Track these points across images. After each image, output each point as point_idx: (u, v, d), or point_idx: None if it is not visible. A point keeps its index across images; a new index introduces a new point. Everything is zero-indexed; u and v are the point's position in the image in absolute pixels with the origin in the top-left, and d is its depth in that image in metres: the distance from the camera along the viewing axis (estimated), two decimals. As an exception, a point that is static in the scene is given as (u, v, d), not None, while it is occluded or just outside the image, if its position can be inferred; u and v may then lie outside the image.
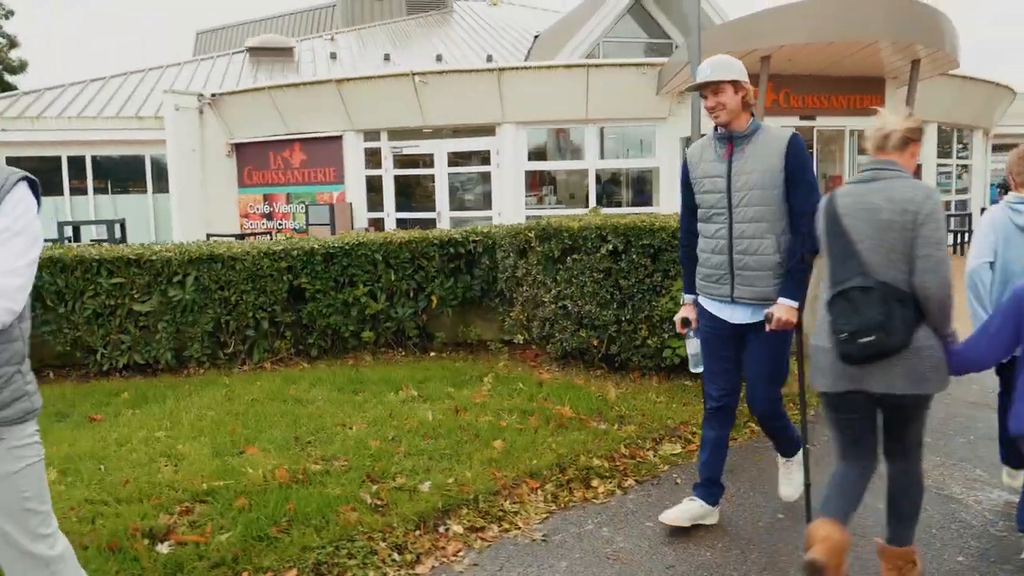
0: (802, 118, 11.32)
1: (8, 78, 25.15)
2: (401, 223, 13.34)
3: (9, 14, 24.83)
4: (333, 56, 20.11)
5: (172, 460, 3.93)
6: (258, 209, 14.56)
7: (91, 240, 12.10)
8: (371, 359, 6.46)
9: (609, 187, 13.28)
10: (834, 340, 2.48)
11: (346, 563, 3.00)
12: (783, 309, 2.96)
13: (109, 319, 5.97)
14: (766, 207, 3.00)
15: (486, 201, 13.17)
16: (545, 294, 5.76)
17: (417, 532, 3.27)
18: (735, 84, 3.01)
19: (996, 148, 17.75)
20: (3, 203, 1.86)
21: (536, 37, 23.43)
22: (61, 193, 15.02)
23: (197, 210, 14.10)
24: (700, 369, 3.31)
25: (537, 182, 13.55)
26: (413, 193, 13.87)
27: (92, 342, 6.00)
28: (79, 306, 5.91)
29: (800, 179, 3.00)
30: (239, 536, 3.05)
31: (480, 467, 3.84)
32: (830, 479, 2.68)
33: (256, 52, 19.83)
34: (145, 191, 15.33)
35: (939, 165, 14.86)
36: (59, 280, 5.85)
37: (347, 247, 6.30)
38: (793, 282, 2.99)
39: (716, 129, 3.14)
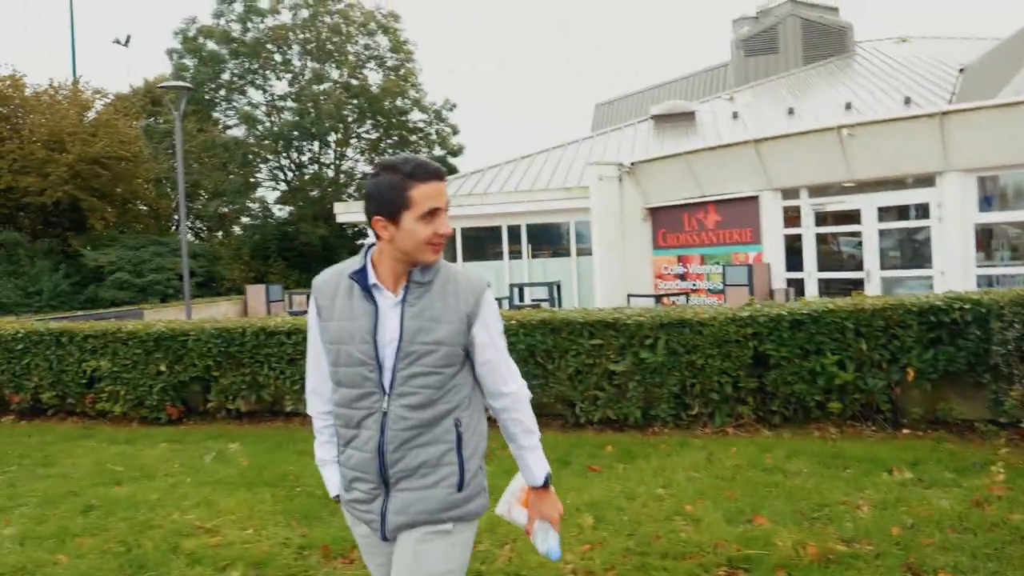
0: None
1: (450, 160, 29.95)
2: (824, 283, 12.72)
3: (453, 106, 29.71)
4: (735, 115, 20.30)
5: (688, 520, 4.12)
6: (672, 270, 15.09)
7: (532, 300, 13.66)
8: (835, 431, 6.15)
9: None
10: None
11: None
12: None
13: (588, 376, 6.58)
14: None
15: (924, 259, 11.95)
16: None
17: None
18: None
19: None
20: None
21: (962, 71, 20.99)
22: (501, 258, 17.28)
23: (616, 271, 15.10)
24: None
25: (982, 237, 11.92)
26: (837, 252, 13.17)
27: (572, 396, 6.67)
28: (563, 363, 6.62)
29: None
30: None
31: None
32: None
33: (660, 119, 20.87)
34: (569, 254, 16.89)
35: None
36: (548, 340, 6.63)
37: (815, 314, 6.14)
38: None
39: None
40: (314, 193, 28.13)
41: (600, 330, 6.51)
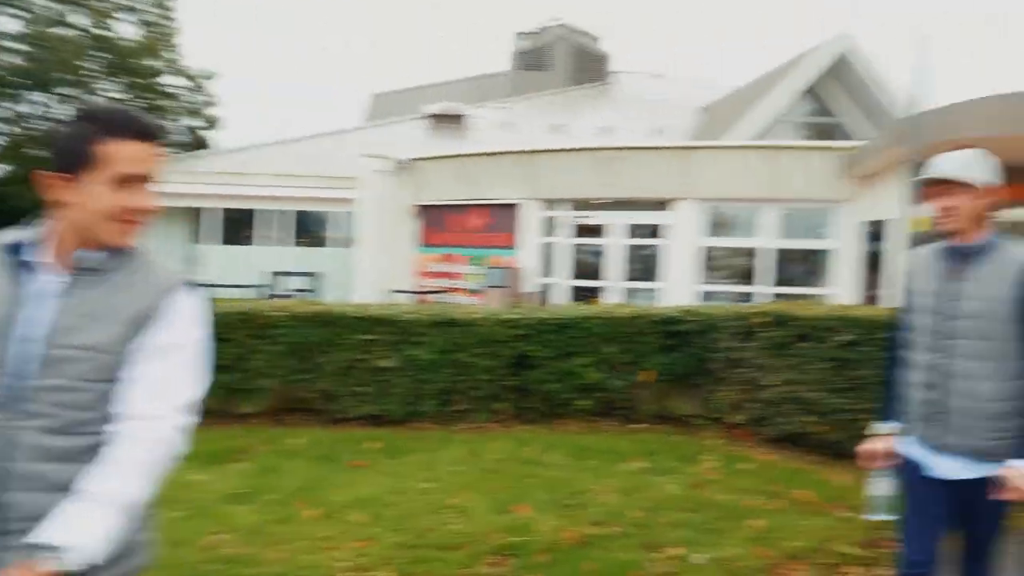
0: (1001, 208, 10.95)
1: (205, 133, 28.05)
2: (572, 290, 13.78)
3: (212, 75, 27.84)
4: (504, 124, 21.26)
5: (456, 512, 4.35)
6: (435, 269, 15.44)
7: (292, 290, 13.29)
8: (579, 426, 6.77)
9: (784, 266, 13.21)
10: None
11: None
12: (1020, 475, 2.38)
13: (355, 372, 6.61)
14: (989, 343, 2.46)
15: (656, 273, 13.42)
16: (769, 377, 5.91)
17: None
18: (974, 188, 2.46)
19: None
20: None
21: (705, 109, 23.83)
22: (259, 243, 16.56)
23: (380, 266, 15.14)
24: (885, 517, 2.71)
25: (704, 257, 13.65)
26: (586, 262, 14.33)
27: (337, 392, 6.65)
28: (333, 358, 6.57)
29: None
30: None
31: (743, 545, 4.02)
32: None
33: (436, 119, 21.26)
34: (333, 245, 16.62)
35: None
36: (320, 333, 6.54)
37: (575, 320, 6.71)
38: None
39: (944, 239, 2.63)
40: (36, 152, 24.80)
41: (374, 326, 6.57)
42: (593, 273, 14.03)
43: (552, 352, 6.69)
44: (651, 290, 13.25)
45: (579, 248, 14.25)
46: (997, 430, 2.46)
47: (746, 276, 13.09)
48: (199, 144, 28.18)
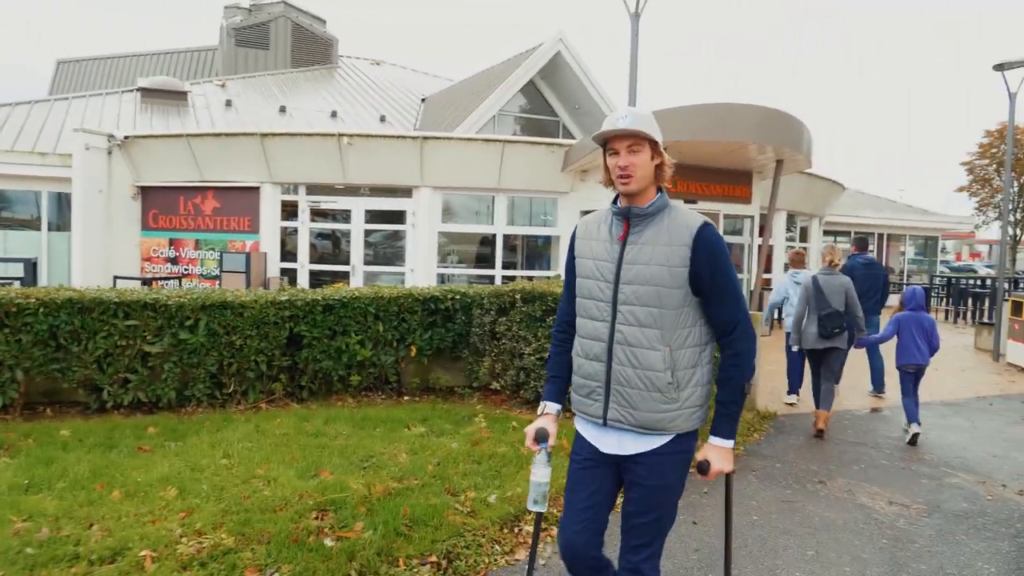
0: (686, 200, 13.17)
1: None
2: (314, 275, 13.89)
3: None
4: (229, 103, 20.33)
5: (264, 481, 4.58)
6: (162, 253, 14.55)
7: (2, 278, 11.74)
8: (352, 401, 7.18)
9: (510, 252, 14.55)
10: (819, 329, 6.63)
11: (464, 552, 3.86)
12: (719, 454, 2.39)
13: (119, 359, 6.35)
14: (660, 310, 2.34)
15: (399, 257, 14.03)
16: (525, 347, 6.80)
17: (503, 531, 4.18)
18: (655, 146, 2.40)
19: (826, 232, 20.88)
20: None
21: (423, 101, 24.76)
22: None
23: (99, 250, 13.91)
24: (540, 508, 2.51)
25: (440, 242, 14.58)
26: (328, 246, 14.48)
27: (100, 380, 6.34)
28: (91, 346, 6.26)
29: (720, 284, 2.35)
30: (380, 534, 3.83)
31: (525, 484, 4.78)
32: (815, 391, 7.00)
33: (149, 93, 19.67)
34: (38, 228, 14.84)
35: (788, 244, 17.39)
36: (75, 320, 6.19)
37: (344, 300, 7.06)
38: (730, 418, 2.40)
39: (615, 201, 2.50)
40: None
41: (137, 311, 6.36)
42: (339, 258, 14.25)
43: (323, 331, 6.98)
44: (397, 274, 13.84)
45: (319, 233, 14.36)
46: (665, 401, 2.34)
47: (482, 260, 14.22)
48: None
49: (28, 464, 4.81)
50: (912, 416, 6.64)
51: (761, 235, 13.19)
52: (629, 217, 2.43)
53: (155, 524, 3.80)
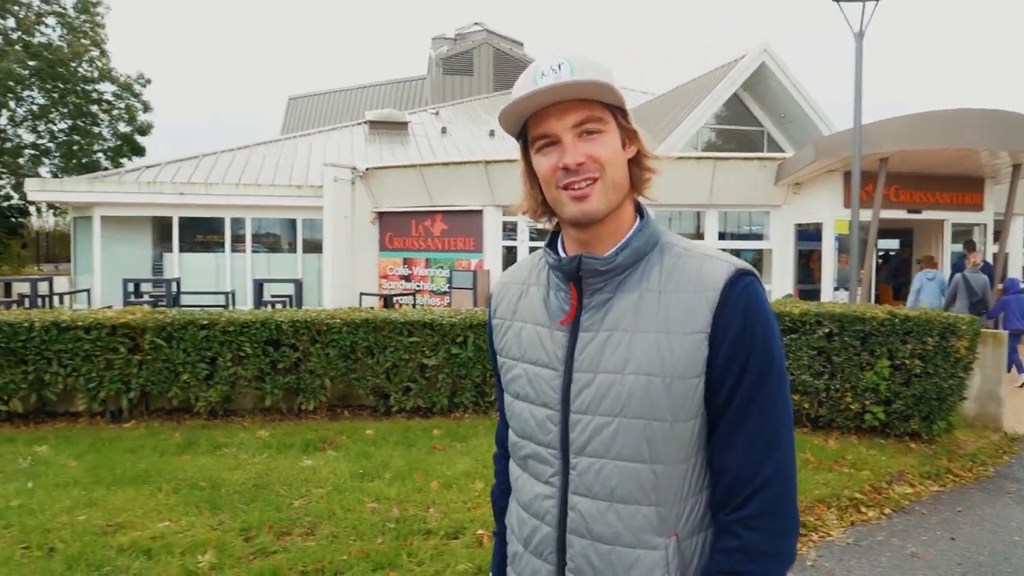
0: (909, 211, 12.73)
1: (137, 138, 27.48)
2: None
3: (148, 82, 27.32)
4: (444, 131, 22.08)
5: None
6: (397, 272, 16.20)
7: (273, 296, 13.78)
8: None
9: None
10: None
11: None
12: None
13: (403, 370, 7.45)
14: (652, 467, 1.23)
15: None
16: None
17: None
18: (625, 119, 1.29)
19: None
20: None
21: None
22: (223, 250, 16.84)
23: (346, 270, 15.78)
24: None
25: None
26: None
27: (387, 388, 7.47)
28: (382, 359, 7.39)
29: (750, 395, 1.20)
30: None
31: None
32: None
33: (375, 125, 21.84)
34: (294, 251, 17.07)
35: None
36: (370, 338, 7.35)
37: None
38: None
39: (552, 242, 1.43)
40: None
41: (419, 329, 7.43)
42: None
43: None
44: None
45: (534, 250, 15.32)
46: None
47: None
48: (133, 150, 27.54)
49: (353, 457, 5.90)
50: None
51: (996, 241, 12.49)
52: (579, 278, 1.31)
53: (478, 510, 4.63)
